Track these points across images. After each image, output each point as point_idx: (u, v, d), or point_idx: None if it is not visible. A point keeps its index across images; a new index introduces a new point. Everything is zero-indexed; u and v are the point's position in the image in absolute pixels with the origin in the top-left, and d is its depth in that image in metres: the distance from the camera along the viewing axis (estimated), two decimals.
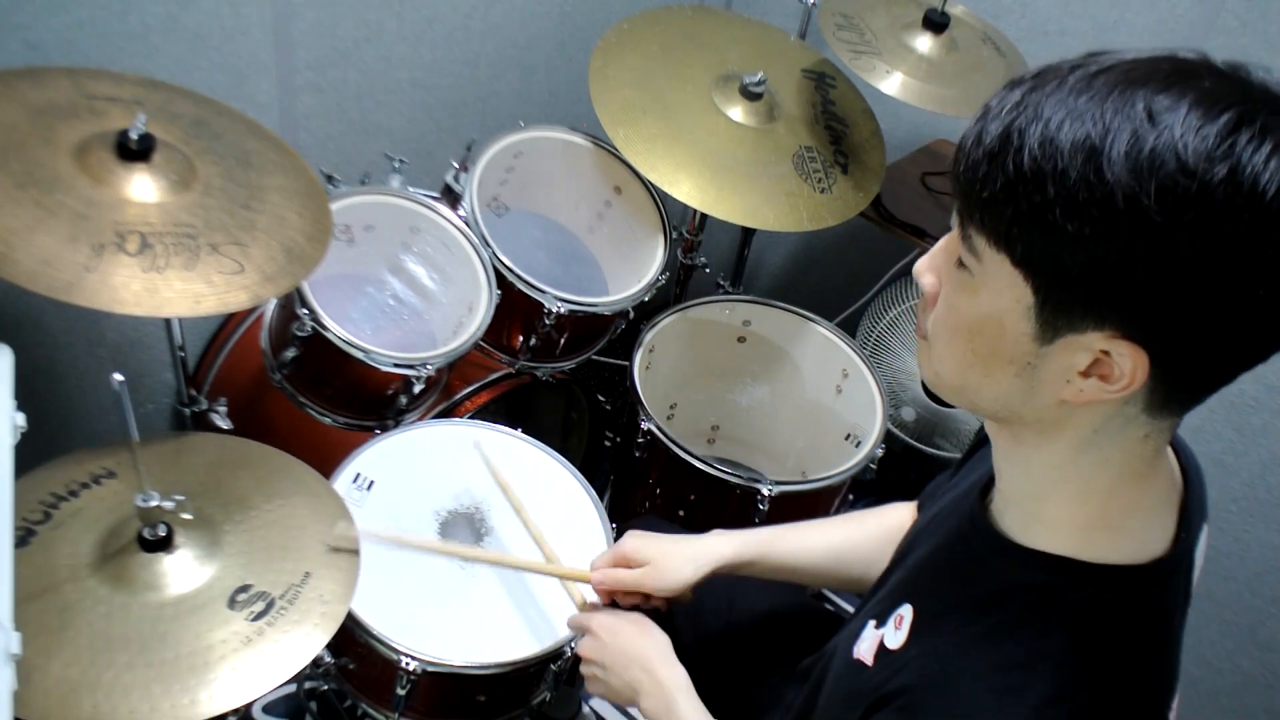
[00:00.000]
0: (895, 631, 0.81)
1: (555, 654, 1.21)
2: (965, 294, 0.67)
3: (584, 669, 1.07)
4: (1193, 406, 0.66)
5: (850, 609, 1.83)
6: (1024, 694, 0.68)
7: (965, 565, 0.79)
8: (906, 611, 0.81)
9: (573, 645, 1.20)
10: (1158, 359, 0.61)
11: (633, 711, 1.36)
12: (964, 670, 0.72)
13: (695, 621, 1.29)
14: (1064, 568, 0.70)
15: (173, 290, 1.03)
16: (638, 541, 1.11)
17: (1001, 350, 0.66)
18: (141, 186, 1.08)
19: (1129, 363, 0.61)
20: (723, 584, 1.30)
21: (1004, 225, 0.62)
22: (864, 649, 0.84)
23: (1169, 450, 0.75)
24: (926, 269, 0.72)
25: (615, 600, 1.12)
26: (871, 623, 0.86)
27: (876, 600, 0.91)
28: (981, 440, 0.98)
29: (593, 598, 1.14)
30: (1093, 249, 0.58)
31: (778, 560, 1.13)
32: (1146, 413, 0.66)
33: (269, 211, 1.17)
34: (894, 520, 1.13)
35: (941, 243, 0.71)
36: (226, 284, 1.07)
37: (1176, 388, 0.64)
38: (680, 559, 1.09)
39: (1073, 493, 0.71)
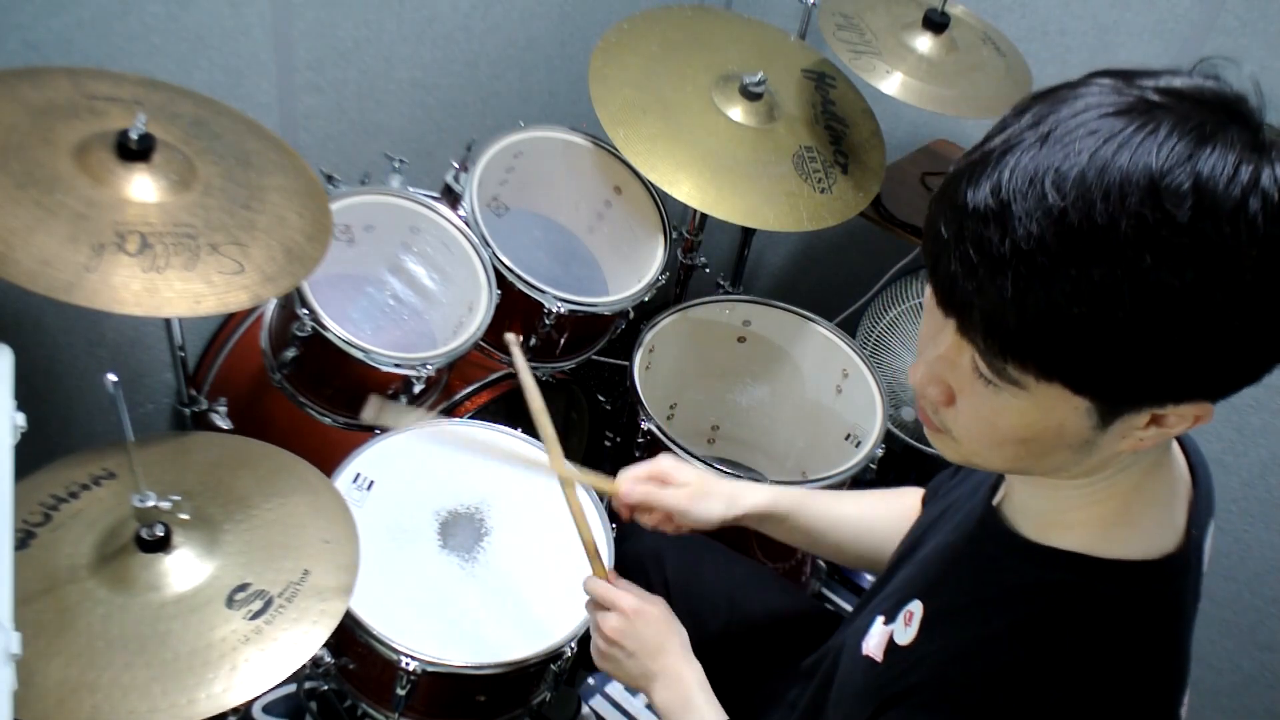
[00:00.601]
0: (905, 628, 0.81)
1: (555, 654, 1.21)
2: (1007, 412, 0.64)
3: (601, 646, 1.03)
4: None
5: (848, 606, 1.84)
6: (1042, 692, 0.68)
7: (978, 563, 0.79)
8: (916, 608, 0.81)
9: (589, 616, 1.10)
10: (1217, 399, 0.62)
11: (633, 712, 1.37)
12: (979, 669, 0.72)
13: (695, 621, 1.29)
14: (1079, 565, 0.71)
15: (173, 290, 1.03)
16: (675, 463, 1.10)
17: (1061, 443, 0.65)
18: (141, 186, 1.08)
19: (1191, 411, 0.62)
20: (723, 584, 1.31)
21: (1056, 363, 0.59)
22: (873, 645, 0.84)
23: (1175, 444, 0.76)
24: (927, 380, 0.68)
25: (634, 518, 1.10)
26: (880, 619, 0.86)
27: (884, 595, 0.91)
28: None
29: (603, 552, 1.10)
30: (1145, 358, 0.57)
31: (806, 521, 1.12)
32: None
33: (269, 211, 1.17)
34: (911, 502, 1.13)
35: (934, 351, 0.67)
36: (226, 284, 1.07)
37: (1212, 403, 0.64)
38: (716, 493, 1.08)
39: (1094, 497, 0.71)
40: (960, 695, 0.72)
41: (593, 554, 1.06)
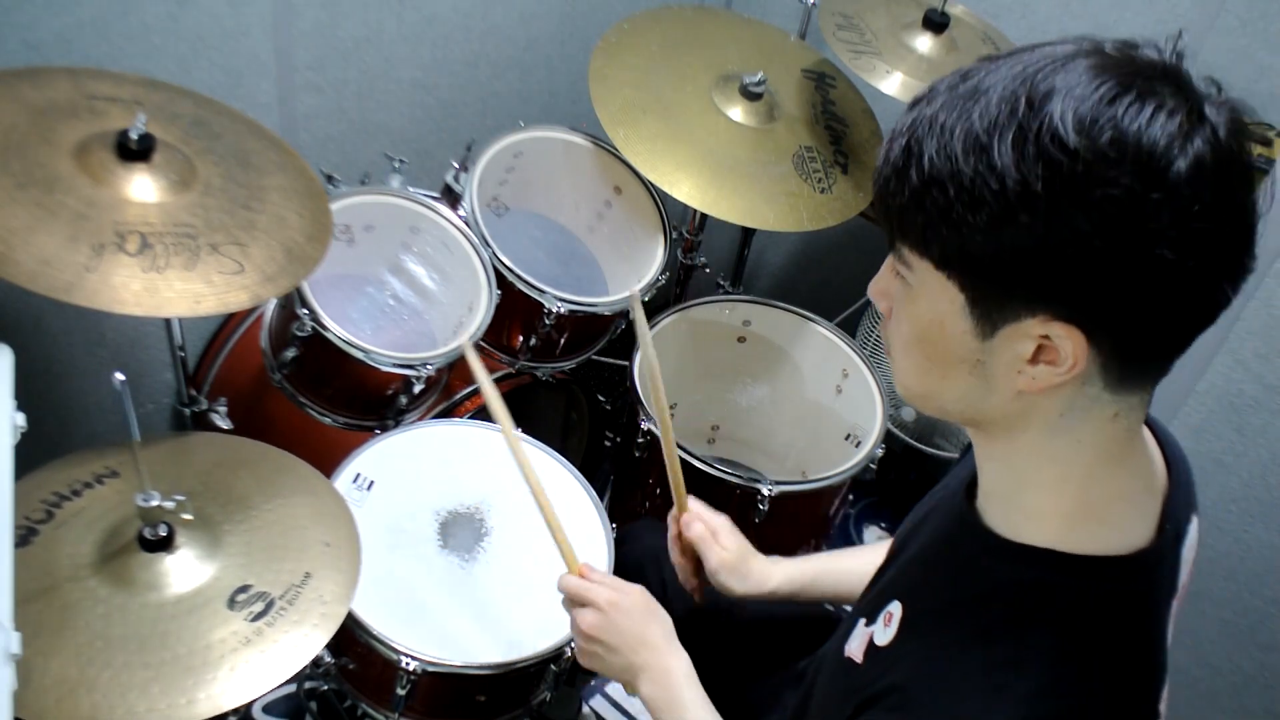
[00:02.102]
0: (884, 629, 0.81)
1: (555, 654, 1.21)
2: (909, 305, 0.70)
3: (582, 643, 1.02)
4: (1157, 378, 0.68)
5: (848, 607, 1.84)
6: (1012, 691, 0.68)
7: (955, 564, 0.79)
8: (895, 609, 0.81)
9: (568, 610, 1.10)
10: (1095, 336, 0.62)
11: (633, 712, 1.37)
12: (953, 670, 0.72)
13: (695, 622, 1.29)
14: (1048, 561, 0.71)
15: (173, 290, 1.03)
16: (729, 526, 1.14)
17: (949, 351, 0.68)
18: (141, 186, 1.08)
19: (1069, 344, 0.62)
20: None
21: (919, 231, 0.64)
22: (854, 647, 0.85)
23: (1150, 439, 0.76)
24: (879, 291, 0.74)
25: (680, 550, 1.14)
26: (862, 621, 0.86)
27: (868, 599, 0.91)
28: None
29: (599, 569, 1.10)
30: (999, 238, 0.60)
31: (822, 589, 1.17)
32: (1109, 390, 0.66)
33: (269, 211, 1.17)
34: None
35: (886, 262, 0.73)
36: (227, 284, 1.07)
37: (1129, 361, 0.64)
38: (748, 572, 1.13)
39: (1051, 479, 0.71)
40: (929, 698, 0.72)
41: (565, 551, 1.05)
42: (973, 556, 0.77)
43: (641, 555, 1.31)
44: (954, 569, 0.79)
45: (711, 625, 1.28)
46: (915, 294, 0.68)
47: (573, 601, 1.03)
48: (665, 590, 1.32)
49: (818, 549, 1.66)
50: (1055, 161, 0.57)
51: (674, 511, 1.16)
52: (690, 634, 1.29)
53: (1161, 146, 0.56)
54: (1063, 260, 0.59)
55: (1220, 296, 0.61)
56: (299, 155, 1.28)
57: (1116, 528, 0.72)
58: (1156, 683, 0.73)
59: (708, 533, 1.12)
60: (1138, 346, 0.64)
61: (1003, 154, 0.59)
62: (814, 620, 1.33)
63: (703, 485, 1.49)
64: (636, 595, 1.03)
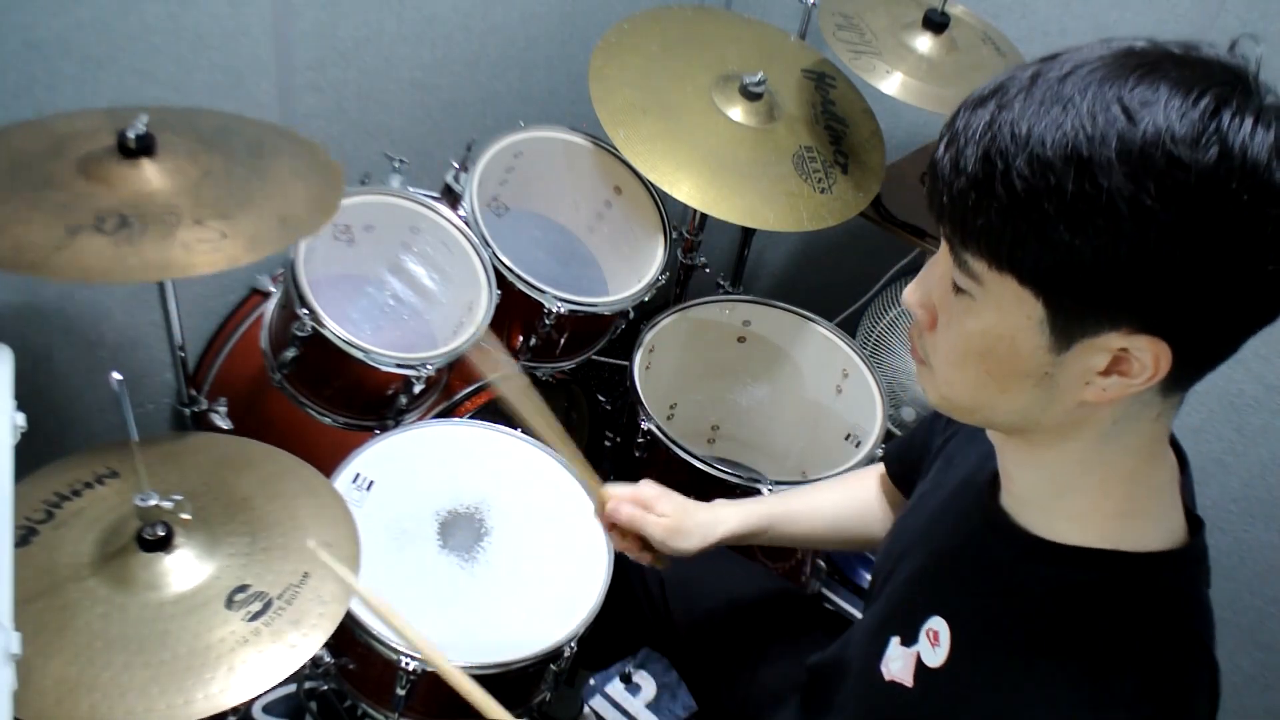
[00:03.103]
0: (933, 649, 0.79)
1: (555, 654, 1.21)
2: (968, 318, 0.67)
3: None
4: (1200, 379, 0.67)
5: (848, 605, 1.84)
6: (1112, 703, 0.68)
7: (994, 571, 0.78)
8: (940, 626, 0.79)
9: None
10: (1178, 345, 0.61)
11: (633, 712, 1.37)
12: (1043, 691, 0.70)
13: (693, 620, 1.29)
14: (1106, 561, 0.70)
15: (139, 258, 1.00)
16: (658, 491, 1.13)
17: (1017, 366, 0.66)
18: (137, 179, 1.07)
19: (1150, 355, 0.61)
20: (720, 582, 1.31)
21: (1005, 248, 0.61)
22: (897, 669, 0.83)
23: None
24: (918, 300, 0.71)
25: (609, 534, 1.16)
26: (895, 639, 0.84)
27: (889, 612, 0.89)
28: (948, 421, 0.98)
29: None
30: (1102, 255, 0.58)
31: (783, 529, 1.16)
32: (1161, 394, 0.66)
33: (270, 185, 1.14)
34: (873, 482, 1.18)
35: (928, 268, 0.70)
36: (207, 249, 1.03)
37: (1191, 366, 0.64)
38: (692, 527, 1.11)
39: (1097, 482, 0.70)
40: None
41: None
42: (1013, 562, 0.75)
43: None
44: (995, 577, 0.77)
45: (711, 625, 1.28)
46: (980, 307, 0.65)
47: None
48: (663, 589, 1.32)
49: (817, 554, 1.66)
50: (1166, 176, 0.56)
51: (595, 508, 1.17)
52: (690, 633, 1.29)
53: (1265, 160, 0.56)
54: (1164, 274, 0.58)
55: None
56: (319, 147, 1.26)
57: (1160, 523, 0.72)
58: (1218, 671, 0.73)
59: (638, 510, 1.11)
60: (1210, 352, 0.63)
61: (1108, 168, 0.57)
62: (811, 614, 1.33)
63: (703, 485, 1.49)
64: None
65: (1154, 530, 0.71)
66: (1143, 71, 0.58)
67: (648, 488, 1.13)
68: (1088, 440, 0.69)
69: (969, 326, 0.67)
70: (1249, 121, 0.56)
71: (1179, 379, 0.64)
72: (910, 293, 0.72)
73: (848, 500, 1.17)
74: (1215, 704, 0.72)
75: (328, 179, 1.21)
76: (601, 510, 1.13)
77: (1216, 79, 0.58)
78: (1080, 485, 0.71)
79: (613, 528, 1.13)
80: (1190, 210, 0.56)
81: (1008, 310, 0.64)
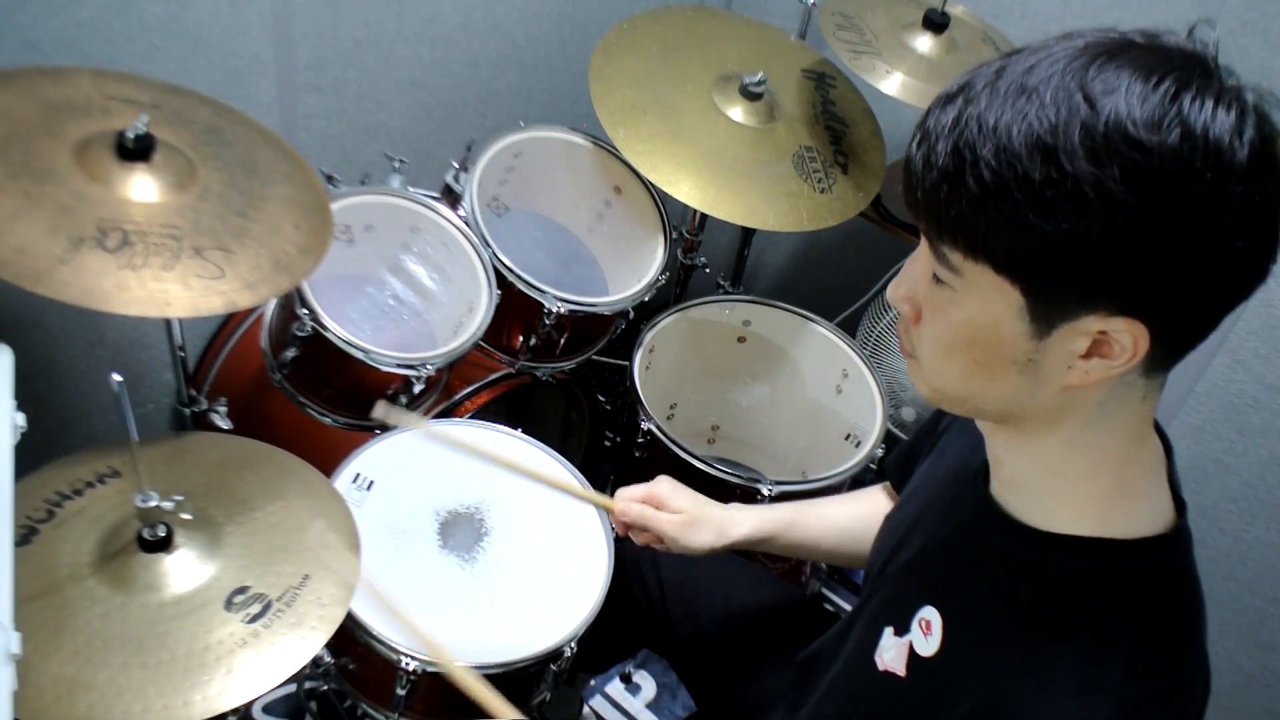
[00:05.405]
0: (925, 638, 0.80)
1: (555, 654, 1.21)
2: (952, 309, 0.68)
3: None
4: (1181, 358, 0.68)
5: (848, 606, 1.83)
6: (1100, 687, 0.68)
7: (987, 560, 0.78)
8: (932, 615, 0.80)
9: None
10: (1155, 325, 0.62)
11: (633, 712, 1.36)
12: (1034, 677, 0.71)
13: (691, 618, 1.29)
14: (1098, 548, 0.70)
15: (144, 289, 1.01)
16: (672, 488, 1.14)
17: (1001, 354, 0.67)
18: (135, 186, 1.07)
19: (1128, 337, 0.62)
20: (718, 581, 1.31)
21: (979, 238, 0.63)
22: (890, 658, 0.83)
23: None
24: (902, 295, 0.72)
25: (629, 535, 1.16)
26: (889, 629, 0.84)
27: (880, 602, 0.89)
28: (939, 416, 0.98)
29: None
30: (1072, 240, 0.59)
31: (795, 537, 1.16)
32: (1144, 375, 0.67)
33: (264, 220, 1.15)
34: (883, 497, 1.18)
35: (910, 264, 0.72)
36: (204, 288, 1.04)
37: (1171, 346, 0.65)
38: (707, 524, 1.12)
39: (1086, 466, 0.71)
40: (1032, 711, 0.71)
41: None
42: (1005, 550, 0.76)
43: (638, 555, 1.31)
44: (987, 565, 0.78)
45: (711, 626, 1.28)
46: (962, 298, 0.67)
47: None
48: (662, 590, 1.32)
49: (814, 559, 1.66)
50: (1130, 160, 0.57)
51: (610, 518, 1.20)
52: (690, 634, 1.29)
53: (1226, 140, 0.57)
54: (1135, 256, 0.59)
55: (1264, 274, 0.62)
56: (311, 169, 1.26)
57: (1149, 506, 0.73)
58: (1207, 656, 0.74)
59: (649, 509, 1.12)
60: (1189, 331, 0.64)
61: (1072, 155, 0.58)
62: (810, 613, 1.33)
63: (703, 485, 1.49)
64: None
65: (1144, 512, 0.72)
66: (1104, 60, 0.60)
67: (662, 484, 1.14)
68: (1075, 425, 0.70)
69: (952, 317, 0.68)
70: (1209, 103, 0.57)
71: (1160, 359, 0.65)
72: (894, 288, 0.73)
73: (859, 514, 1.17)
74: (1207, 688, 0.73)
75: (317, 210, 1.23)
76: (613, 517, 1.15)
77: (1177, 64, 0.59)
78: (1070, 470, 0.72)
79: (628, 529, 1.15)
80: (1155, 192, 0.57)
81: (988, 299, 0.65)
